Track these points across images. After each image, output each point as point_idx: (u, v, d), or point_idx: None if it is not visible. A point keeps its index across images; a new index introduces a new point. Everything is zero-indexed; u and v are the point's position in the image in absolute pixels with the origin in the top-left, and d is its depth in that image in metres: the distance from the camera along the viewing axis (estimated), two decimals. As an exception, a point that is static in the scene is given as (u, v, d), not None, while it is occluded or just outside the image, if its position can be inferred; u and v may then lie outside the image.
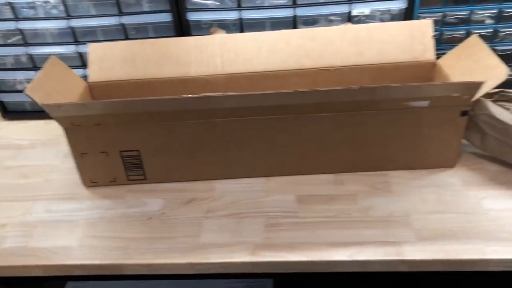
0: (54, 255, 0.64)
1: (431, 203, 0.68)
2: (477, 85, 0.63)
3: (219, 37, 0.82)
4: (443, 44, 0.83)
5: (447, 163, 0.74)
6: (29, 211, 0.73)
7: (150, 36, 0.86)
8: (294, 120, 0.69)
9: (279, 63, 0.80)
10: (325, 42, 0.80)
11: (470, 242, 0.61)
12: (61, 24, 0.84)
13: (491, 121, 0.70)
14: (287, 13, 0.81)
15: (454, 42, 0.82)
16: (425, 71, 0.80)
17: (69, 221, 0.70)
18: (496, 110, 0.70)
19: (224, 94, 0.64)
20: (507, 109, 0.72)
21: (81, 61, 0.89)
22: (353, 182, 0.73)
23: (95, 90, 0.82)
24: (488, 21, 0.82)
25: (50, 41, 0.87)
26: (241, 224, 0.67)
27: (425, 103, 0.66)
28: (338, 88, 0.62)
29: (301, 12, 0.81)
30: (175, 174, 0.75)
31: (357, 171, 0.75)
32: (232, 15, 0.82)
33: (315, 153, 0.73)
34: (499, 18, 0.81)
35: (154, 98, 0.64)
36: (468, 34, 0.83)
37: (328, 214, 0.68)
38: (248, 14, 0.82)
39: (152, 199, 0.73)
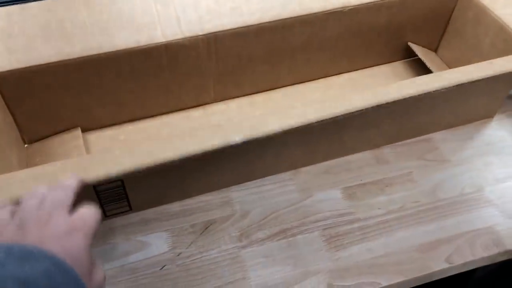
0: None
1: (495, 167, 0.58)
2: None
3: (188, -20, 0.56)
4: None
5: (489, 114, 0.63)
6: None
7: (76, -14, 0.56)
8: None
9: (277, 10, 0.59)
10: (331, -26, 0.60)
11: (563, 211, 0.53)
12: None
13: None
14: None
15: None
16: (446, 1, 0.65)
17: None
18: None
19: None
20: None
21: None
22: (398, 157, 0.59)
23: (7, 83, 0.52)
24: None
25: None
26: (294, 247, 0.50)
27: (492, 51, 0.53)
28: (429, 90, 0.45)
29: None
30: (170, 194, 0.53)
31: (398, 141, 0.60)
32: None
33: (355, 132, 0.56)
34: None
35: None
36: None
37: (393, 207, 0.54)
38: None
39: (150, 235, 0.51)
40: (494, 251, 0.49)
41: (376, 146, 0.59)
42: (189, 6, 0.56)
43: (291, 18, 0.59)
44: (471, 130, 0.62)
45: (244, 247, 0.50)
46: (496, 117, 0.64)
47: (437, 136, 0.61)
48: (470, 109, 0.60)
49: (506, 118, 0.64)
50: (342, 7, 0.60)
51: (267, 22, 0.58)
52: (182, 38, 0.56)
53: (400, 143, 0.60)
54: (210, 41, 0.57)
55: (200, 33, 0.56)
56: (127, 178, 0.47)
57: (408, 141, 0.61)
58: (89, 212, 0.34)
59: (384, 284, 0.47)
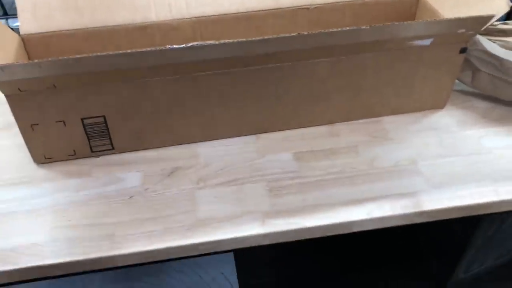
0: (20, 256, 0.52)
1: (433, 147, 0.65)
2: (487, 19, 0.59)
3: (181, -27, 0.69)
4: (420, -24, 0.78)
5: (438, 104, 0.71)
6: (-29, 204, 0.58)
7: (91, -26, 0.70)
8: (287, 69, 0.61)
9: (253, 2, 0.70)
10: (303, -24, 0.71)
11: (482, 185, 0.60)
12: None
13: (484, 57, 0.67)
14: None
15: (432, -27, 0.77)
16: (408, 7, 0.74)
17: (30, 211, 0.57)
18: (489, 45, 0.67)
19: (216, 42, 0.53)
20: (493, 42, 0.70)
21: (2, 10, 0.71)
22: (349, 133, 0.68)
23: (31, 44, 0.66)
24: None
25: (-43, -17, 0.67)
26: (240, 192, 0.59)
27: (427, 42, 0.61)
28: (347, 28, 0.55)
29: None
30: (147, 141, 0.64)
31: (350, 120, 0.69)
32: None
33: (308, 105, 0.66)
34: None
35: (128, 52, 0.51)
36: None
37: (333, 170, 0.62)
38: None
39: (127, 173, 0.62)
40: (411, 210, 0.57)
41: (331, 122, 0.69)
42: (180, -5, 0.68)
43: (264, 10, 0.70)
44: (420, 116, 0.70)
45: (200, 188, 0.60)
46: (446, 108, 0.72)
47: (387, 119, 0.70)
48: (417, 95, 0.68)
49: (456, 110, 0.71)
50: (308, 5, 0.71)
51: (243, 12, 0.69)
52: (171, 20, 0.68)
53: (353, 122, 0.69)
54: (195, 25, 0.69)
55: (187, 17, 0.68)
56: (108, 114, 0.59)
57: (361, 121, 0.69)
58: None
59: (308, 225, 0.55)
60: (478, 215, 0.60)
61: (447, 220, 0.60)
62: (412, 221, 0.58)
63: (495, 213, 0.60)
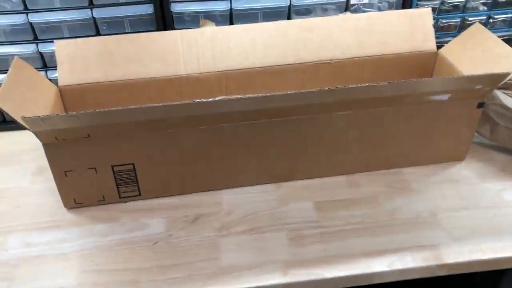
0: (49, 299, 0.54)
1: (453, 199, 0.66)
2: (503, 77, 0.60)
3: (209, 30, 0.73)
4: (438, 32, 0.81)
5: (458, 156, 0.72)
6: (3, 247, 0.60)
7: (125, 31, 0.75)
8: (308, 121, 0.63)
9: (276, 57, 0.74)
10: (325, 33, 0.74)
11: (504, 239, 0.60)
12: (18, 19, 0.71)
13: (502, 111, 0.69)
14: (281, 2, 0.74)
15: (449, 30, 0.80)
16: (426, 61, 0.77)
17: (58, 255, 0.59)
18: (506, 99, 0.69)
19: (240, 96, 0.56)
20: (510, 96, 0.71)
21: (42, 62, 0.76)
22: (369, 183, 0.69)
23: (67, 94, 0.70)
24: (482, 7, 0.80)
25: (4, 39, 0.73)
26: (262, 241, 0.61)
27: (445, 97, 0.63)
28: (365, 85, 0.57)
29: (296, 1, 0.74)
30: (173, 187, 0.67)
31: (370, 171, 0.71)
32: (222, 6, 0.73)
33: (327, 155, 0.67)
34: (493, 4, 0.80)
35: (158, 105, 0.55)
36: (463, 22, 0.81)
37: (353, 220, 0.63)
38: (239, 4, 0.74)
39: (152, 219, 0.64)
40: (432, 263, 0.57)
41: (350, 172, 0.70)
42: (207, 50, 0.72)
43: (286, 65, 0.73)
44: (439, 168, 0.71)
45: (222, 236, 0.61)
46: (466, 160, 0.72)
47: (407, 170, 0.71)
48: (436, 147, 0.69)
49: (475, 162, 0.72)
50: (329, 60, 0.74)
51: (267, 67, 0.73)
52: (199, 73, 0.72)
53: (373, 172, 0.71)
54: (221, 78, 0.73)
55: (213, 70, 0.72)
56: (137, 162, 0.62)
57: (381, 171, 0.71)
58: None
59: (329, 276, 0.56)
60: (502, 270, 0.60)
61: (469, 273, 0.59)
62: (434, 274, 0.58)
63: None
